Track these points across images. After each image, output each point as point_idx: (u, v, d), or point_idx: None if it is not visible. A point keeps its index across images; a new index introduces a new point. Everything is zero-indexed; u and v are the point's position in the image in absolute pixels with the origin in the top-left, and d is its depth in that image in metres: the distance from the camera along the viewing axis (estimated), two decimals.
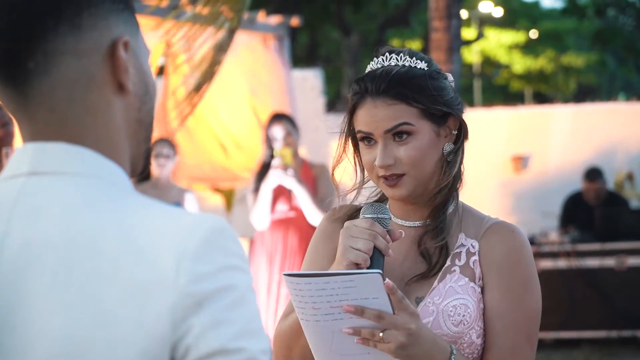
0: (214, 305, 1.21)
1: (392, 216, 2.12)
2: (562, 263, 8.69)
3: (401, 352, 1.93)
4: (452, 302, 2.08)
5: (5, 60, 1.31)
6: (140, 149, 1.39)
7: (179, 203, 6.92)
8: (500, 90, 33.46)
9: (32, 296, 1.24)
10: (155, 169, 7.00)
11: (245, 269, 1.26)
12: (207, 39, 6.95)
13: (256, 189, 6.52)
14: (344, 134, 2.18)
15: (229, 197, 10.74)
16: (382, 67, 2.13)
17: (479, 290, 2.10)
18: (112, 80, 1.33)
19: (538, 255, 8.70)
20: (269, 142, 6.52)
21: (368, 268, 1.98)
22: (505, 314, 2.08)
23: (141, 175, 1.43)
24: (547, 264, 8.69)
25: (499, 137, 12.27)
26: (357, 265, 1.98)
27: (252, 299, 1.25)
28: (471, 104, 29.03)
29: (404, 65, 2.12)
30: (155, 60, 8.30)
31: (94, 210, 1.26)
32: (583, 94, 33.22)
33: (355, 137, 2.17)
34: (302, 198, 6.29)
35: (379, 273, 1.88)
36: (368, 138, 2.12)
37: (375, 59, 2.16)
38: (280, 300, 6.45)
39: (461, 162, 2.15)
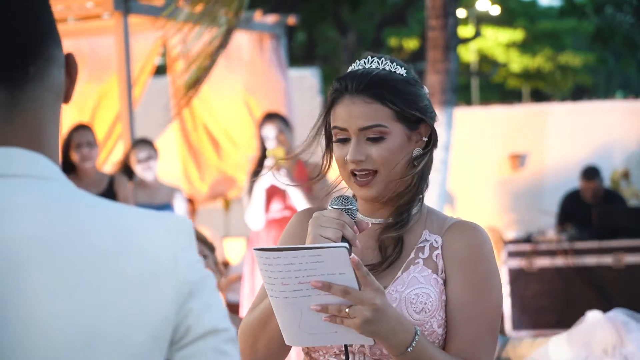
0: (204, 291, 1.37)
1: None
2: (559, 261, 8.70)
3: (367, 327, 1.98)
4: (414, 291, 2.14)
5: (8, 61, 1.33)
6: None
7: (168, 202, 6.87)
8: (497, 88, 33.45)
9: (28, 292, 1.27)
10: (140, 173, 6.83)
11: None
12: (202, 34, 6.94)
13: (250, 189, 6.52)
14: (317, 127, 2.26)
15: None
16: (363, 68, 2.22)
17: (442, 282, 2.17)
18: (64, 90, 1.40)
19: (535, 253, 8.72)
20: (262, 141, 6.53)
21: None
22: (467, 305, 2.15)
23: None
24: (544, 261, 8.70)
25: (496, 136, 12.28)
26: None
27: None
28: (468, 102, 29.03)
29: (384, 69, 2.21)
30: (152, 60, 8.30)
31: (72, 208, 1.32)
32: (580, 92, 33.21)
33: (329, 137, 2.25)
34: (296, 197, 6.29)
35: (345, 247, 1.94)
36: (342, 138, 2.19)
37: (357, 61, 2.25)
38: None
39: (429, 168, 2.24)
